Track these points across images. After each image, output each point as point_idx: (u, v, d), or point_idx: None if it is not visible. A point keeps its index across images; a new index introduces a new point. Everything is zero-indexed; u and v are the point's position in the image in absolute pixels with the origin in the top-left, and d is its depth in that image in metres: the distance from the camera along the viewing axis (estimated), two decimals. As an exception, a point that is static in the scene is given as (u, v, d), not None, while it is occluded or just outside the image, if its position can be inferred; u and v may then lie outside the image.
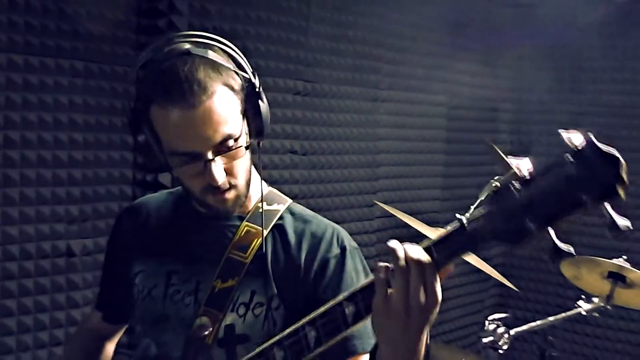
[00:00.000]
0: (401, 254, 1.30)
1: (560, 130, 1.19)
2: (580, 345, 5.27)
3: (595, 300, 3.46)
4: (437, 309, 1.32)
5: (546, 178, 1.19)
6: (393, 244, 1.33)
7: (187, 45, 1.59)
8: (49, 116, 3.14)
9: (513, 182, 1.22)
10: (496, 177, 3.87)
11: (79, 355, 2.07)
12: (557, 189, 1.17)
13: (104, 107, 3.33)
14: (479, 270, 3.51)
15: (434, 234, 3.43)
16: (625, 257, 3.47)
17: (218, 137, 1.56)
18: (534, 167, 1.22)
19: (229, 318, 1.67)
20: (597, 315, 3.48)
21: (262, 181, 1.78)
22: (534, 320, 3.39)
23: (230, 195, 1.64)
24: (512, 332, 3.13)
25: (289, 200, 1.82)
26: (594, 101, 5.20)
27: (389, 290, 1.31)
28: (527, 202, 1.20)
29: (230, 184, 1.62)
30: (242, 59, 1.65)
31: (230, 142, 1.58)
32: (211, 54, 1.59)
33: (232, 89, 1.60)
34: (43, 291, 3.19)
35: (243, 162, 1.65)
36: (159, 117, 1.57)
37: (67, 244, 3.26)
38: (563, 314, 3.45)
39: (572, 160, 1.16)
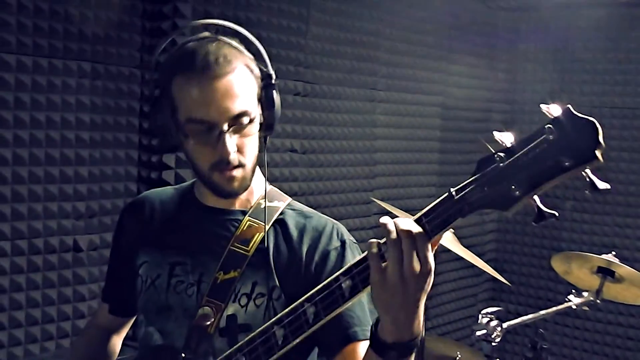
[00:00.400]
0: (392, 227, 1.31)
1: (540, 105, 1.21)
2: (570, 338, 5.28)
3: (585, 294, 3.47)
4: (432, 276, 1.33)
5: (529, 147, 1.21)
6: (384, 219, 1.34)
7: (211, 32, 1.67)
8: (56, 116, 3.15)
9: (498, 152, 1.24)
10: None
11: (85, 349, 2.07)
12: (539, 157, 1.19)
13: (110, 106, 3.34)
14: (472, 266, 3.52)
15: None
16: (614, 252, 3.48)
17: (235, 110, 1.59)
18: (516, 139, 1.24)
19: (231, 308, 1.67)
20: (586, 309, 3.49)
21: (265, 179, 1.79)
22: (526, 314, 3.40)
23: (238, 173, 1.64)
24: (504, 325, 3.13)
25: (289, 198, 1.83)
26: (585, 102, 5.20)
27: (384, 264, 1.32)
28: (512, 170, 1.22)
29: (239, 162, 1.62)
30: (262, 50, 1.69)
31: (245, 120, 1.61)
32: (235, 42, 1.66)
33: (251, 71, 1.64)
34: (51, 285, 3.19)
35: (253, 145, 1.66)
36: (182, 87, 1.60)
37: (74, 239, 3.26)
38: (554, 308, 3.45)
39: (552, 128, 1.18)
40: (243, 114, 1.60)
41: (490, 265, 3.67)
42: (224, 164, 1.61)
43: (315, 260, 1.69)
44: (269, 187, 1.80)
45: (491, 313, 3.14)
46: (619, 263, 3.41)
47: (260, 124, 1.67)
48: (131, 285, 1.84)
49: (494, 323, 3.10)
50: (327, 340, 1.61)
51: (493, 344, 3.11)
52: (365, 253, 1.37)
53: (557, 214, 1.22)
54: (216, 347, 1.67)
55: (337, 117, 4.24)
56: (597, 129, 1.15)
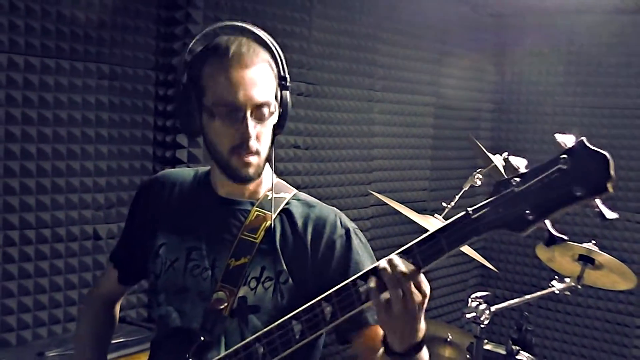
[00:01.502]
0: (390, 271, 1.35)
1: (555, 134, 1.22)
2: (553, 320, 5.28)
3: (567, 280, 3.47)
4: (428, 296, 1.38)
5: (544, 175, 1.21)
6: (382, 264, 1.38)
7: (241, 31, 1.73)
8: (77, 114, 3.15)
9: (514, 177, 1.25)
10: (478, 170, 3.87)
11: (93, 321, 2.06)
12: (553, 184, 1.20)
13: (126, 105, 3.34)
14: (462, 254, 3.52)
15: (423, 219, 3.42)
16: (594, 242, 3.48)
17: (259, 99, 1.62)
18: (529, 165, 1.25)
19: (242, 291, 1.68)
20: (568, 293, 3.48)
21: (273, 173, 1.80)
22: (512, 298, 3.40)
23: (254, 160, 1.65)
24: (492, 308, 3.13)
25: (295, 190, 1.84)
26: (568, 102, 5.20)
27: (384, 296, 1.37)
28: (526, 195, 1.23)
29: (256, 149, 1.64)
30: (280, 55, 1.71)
31: (266, 111, 1.64)
32: (258, 43, 1.70)
33: (271, 68, 1.68)
34: (72, 270, 3.20)
35: (268, 135, 1.68)
36: (213, 72, 1.63)
37: (93, 228, 3.27)
38: (538, 293, 3.45)
39: (566, 159, 1.19)
40: (265, 104, 1.63)
41: (479, 254, 3.67)
42: (243, 148, 1.63)
43: (322, 249, 1.70)
44: (277, 180, 1.81)
45: (480, 297, 3.14)
46: (599, 251, 3.40)
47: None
48: (142, 257, 1.85)
49: (482, 306, 3.10)
50: (343, 327, 1.61)
51: (482, 325, 3.11)
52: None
53: (567, 238, 1.24)
54: (227, 327, 1.68)
55: (337, 115, 4.24)
56: (608, 161, 1.15)
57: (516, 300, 3.38)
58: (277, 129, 1.71)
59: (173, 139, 3.42)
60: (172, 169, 2.01)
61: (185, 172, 1.94)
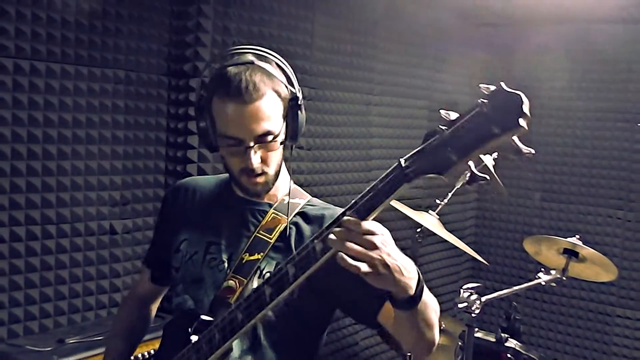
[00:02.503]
0: (331, 236, 1.33)
1: (480, 85, 1.21)
2: (539, 310, 5.28)
3: (553, 272, 3.47)
4: (382, 239, 1.33)
5: (465, 118, 1.21)
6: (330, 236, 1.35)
7: (251, 57, 1.68)
8: (95, 117, 3.15)
9: (440, 125, 1.25)
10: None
11: (126, 317, 2.12)
12: (474, 126, 1.20)
13: (141, 109, 3.34)
14: (455, 247, 3.52)
15: (417, 215, 3.41)
16: (578, 236, 3.48)
17: (259, 131, 1.63)
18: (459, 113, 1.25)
19: (256, 282, 1.68)
20: (554, 285, 3.49)
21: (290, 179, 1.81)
22: (501, 289, 3.40)
23: (261, 180, 1.69)
24: (482, 299, 3.13)
25: (309, 196, 1.85)
26: (554, 105, 5.20)
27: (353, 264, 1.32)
28: (449, 139, 1.23)
29: (262, 170, 1.68)
30: (292, 74, 1.72)
31: (269, 137, 1.65)
32: (268, 66, 1.68)
33: (279, 95, 1.67)
34: (90, 263, 3.20)
35: (276, 156, 1.70)
36: (219, 107, 1.65)
37: (110, 223, 3.27)
38: (526, 284, 3.45)
39: (485, 102, 1.19)
40: (267, 133, 1.64)
41: (470, 247, 3.67)
42: (249, 172, 1.67)
43: None
44: (294, 186, 1.83)
45: (471, 288, 3.14)
46: (583, 245, 3.41)
47: (286, 135, 1.70)
48: (171, 257, 1.87)
49: (473, 297, 3.10)
50: (362, 309, 1.63)
51: (473, 315, 3.11)
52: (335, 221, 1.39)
53: (488, 177, 1.23)
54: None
55: (337, 118, 4.24)
56: (522, 100, 1.14)
57: (505, 291, 3.38)
58: (291, 140, 1.72)
59: (184, 140, 3.42)
60: (197, 176, 2.05)
61: (208, 178, 1.99)
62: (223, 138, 1.66)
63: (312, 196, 1.87)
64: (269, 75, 1.66)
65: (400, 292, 1.38)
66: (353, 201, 1.38)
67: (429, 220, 3.37)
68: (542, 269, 3.54)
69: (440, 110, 1.27)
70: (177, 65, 3.42)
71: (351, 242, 1.31)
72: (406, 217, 3.41)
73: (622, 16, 4.61)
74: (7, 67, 2.82)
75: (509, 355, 3.43)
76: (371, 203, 1.35)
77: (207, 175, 2.00)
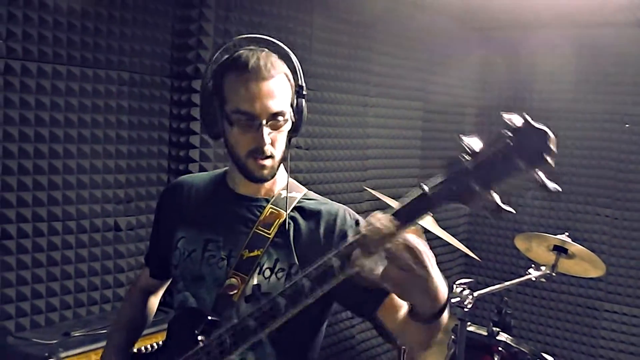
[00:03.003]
0: (368, 236, 1.29)
1: (501, 113, 1.19)
2: (530, 305, 5.29)
3: (543, 268, 3.47)
4: (426, 255, 1.32)
5: (490, 150, 1.19)
6: (363, 230, 1.31)
7: (262, 43, 1.72)
8: (100, 117, 3.14)
9: (463, 154, 1.23)
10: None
11: (130, 308, 2.10)
12: (498, 159, 1.17)
13: (144, 109, 3.33)
14: (448, 244, 3.52)
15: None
16: (567, 233, 3.48)
17: (274, 108, 1.62)
18: (481, 143, 1.22)
19: (256, 279, 1.68)
20: (544, 280, 3.49)
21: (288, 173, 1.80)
22: (493, 285, 3.40)
23: (268, 162, 1.66)
24: (475, 294, 3.13)
25: (305, 189, 1.84)
26: (543, 107, 5.20)
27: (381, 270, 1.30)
28: (473, 169, 1.20)
29: (270, 153, 1.65)
30: (298, 65, 1.72)
31: (280, 119, 1.64)
32: (277, 54, 1.70)
33: (288, 79, 1.69)
34: (95, 259, 3.20)
35: (282, 141, 1.68)
36: (234, 83, 1.63)
37: (114, 220, 3.26)
38: (516, 280, 3.46)
39: (511, 134, 1.16)
40: (280, 113, 1.63)
41: (463, 244, 3.67)
42: (259, 152, 1.64)
43: (335, 240, 1.68)
44: (290, 180, 1.80)
45: (464, 283, 3.14)
46: (572, 242, 3.41)
47: (292, 123, 1.70)
48: (167, 254, 1.85)
49: (466, 292, 3.10)
50: (362, 303, 1.61)
51: (465, 309, 3.10)
52: (353, 239, 1.35)
53: (514, 210, 1.20)
54: (242, 311, 1.68)
55: (335, 119, 4.24)
56: (548, 136, 1.13)
57: (497, 286, 3.38)
58: (293, 132, 1.72)
59: (187, 140, 3.42)
60: (191, 174, 2.01)
61: (202, 175, 1.96)
62: (236, 114, 1.63)
63: (319, 196, 1.85)
64: (280, 60, 1.69)
65: (428, 309, 1.37)
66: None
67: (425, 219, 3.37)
68: (533, 265, 3.54)
69: (461, 137, 1.24)
70: (179, 67, 3.42)
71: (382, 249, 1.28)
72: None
73: (626, 19, 4.60)
74: (14, 68, 2.82)
75: (500, 349, 3.43)
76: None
77: (217, 170, 1.96)
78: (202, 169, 3.37)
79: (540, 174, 1.16)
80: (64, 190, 3.04)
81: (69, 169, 3.05)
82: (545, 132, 1.13)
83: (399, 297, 1.39)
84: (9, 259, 2.89)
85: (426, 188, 1.28)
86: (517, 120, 1.17)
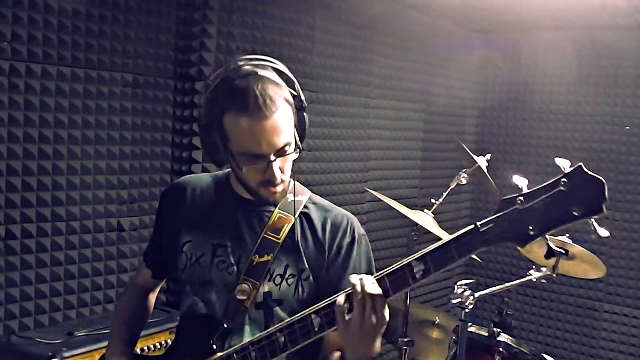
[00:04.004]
0: (358, 289, 1.39)
1: (555, 159, 1.23)
2: (530, 305, 5.28)
3: (543, 269, 3.45)
4: (385, 326, 1.42)
5: (546, 195, 1.22)
6: (353, 279, 1.42)
7: (252, 67, 1.61)
8: (104, 118, 3.15)
9: (518, 197, 1.25)
10: (463, 170, 3.84)
11: (129, 305, 2.07)
12: (554, 205, 1.21)
13: (147, 111, 3.34)
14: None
15: (413, 214, 3.39)
16: (567, 235, 3.47)
17: (280, 143, 1.59)
18: (530, 185, 1.26)
19: (267, 286, 1.68)
20: (544, 281, 3.47)
21: (293, 178, 1.78)
22: (494, 285, 3.39)
23: (280, 188, 1.65)
24: (476, 294, 3.12)
25: (309, 192, 1.83)
26: (544, 108, 5.20)
27: (347, 317, 1.42)
28: (530, 214, 1.23)
29: (281, 179, 1.64)
30: (293, 78, 1.68)
31: (287, 149, 1.61)
32: (271, 74, 1.62)
33: (289, 102, 1.63)
34: (98, 259, 3.20)
35: (290, 163, 1.67)
36: (234, 123, 1.57)
37: (117, 221, 3.27)
38: (517, 281, 3.44)
39: (566, 182, 1.20)
40: (286, 144, 1.60)
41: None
42: (270, 183, 1.62)
43: (333, 251, 1.71)
44: (294, 182, 1.79)
45: (465, 284, 3.13)
46: (572, 243, 3.39)
47: (296, 140, 1.67)
48: (170, 255, 1.84)
49: (467, 293, 3.08)
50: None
51: (466, 310, 3.10)
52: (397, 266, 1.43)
53: (564, 252, 1.27)
54: (252, 317, 1.69)
55: (337, 120, 4.24)
56: (604, 186, 1.16)
57: (497, 287, 3.37)
58: (299, 146, 1.69)
59: (189, 141, 3.42)
60: (191, 175, 1.98)
61: (203, 176, 1.93)
62: (242, 156, 1.60)
63: (324, 201, 1.85)
64: (277, 84, 1.61)
65: (354, 357, 1.50)
66: (421, 253, 1.37)
67: (425, 219, 3.37)
68: (533, 266, 3.53)
69: (513, 178, 1.28)
70: (182, 69, 3.42)
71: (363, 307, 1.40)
72: (402, 216, 3.41)
73: (626, 22, 4.59)
74: (19, 70, 2.82)
75: (500, 349, 3.43)
76: (442, 260, 1.36)
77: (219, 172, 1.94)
78: (205, 170, 3.36)
79: (593, 221, 1.20)
80: (67, 190, 3.05)
81: (72, 170, 3.05)
82: (601, 181, 1.17)
83: (342, 337, 1.49)
84: (13, 259, 2.90)
85: (479, 224, 1.31)
86: (568, 165, 1.21)
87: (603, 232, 1.21)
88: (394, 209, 3.27)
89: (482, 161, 3.31)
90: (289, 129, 1.62)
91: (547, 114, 5.21)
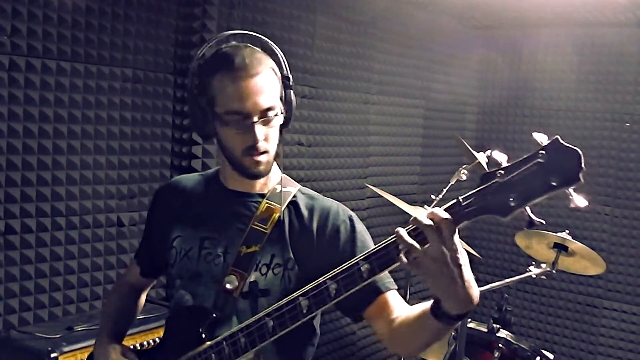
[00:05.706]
0: (428, 220, 1.30)
1: (533, 133, 1.26)
2: (530, 302, 5.28)
3: (543, 265, 3.46)
4: (462, 254, 1.33)
5: (524, 167, 1.24)
6: (418, 216, 1.32)
7: (242, 39, 1.73)
8: (104, 113, 3.14)
9: (498, 170, 1.26)
10: (463, 166, 3.85)
11: (117, 301, 2.06)
12: (532, 176, 1.22)
13: (147, 106, 3.33)
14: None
15: (413, 209, 3.41)
16: (567, 231, 3.47)
17: (265, 104, 1.61)
18: (510, 160, 1.27)
19: (253, 276, 1.67)
20: (544, 278, 3.49)
21: (280, 169, 1.81)
22: (494, 282, 3.40)
23: (264, 158, 1.66)
24: (475, 290, 3.12)
25: (299, 185, 1.83)
26: (544, 105, 5.20)
27: (424, 247, 1.30)
28: (510, 185, 1.25)
29: (265, 148, 1.65)
30: (282, 57, 1.72)
31: (271, 113, 1.63)
32: (261, 48, 1.70)
33: (275, 74, 1.67)
34: (98, 254, 3.19)
35: (275, 135, 1.68)
36: (222, 84, 1.62)
37: (117, 216, 3.26)
38: (517, 277, 3.45)
39: (543, 153, 1.21)
40: (270, 108, 1.63)
41: (463, 241, 3.65)
42: (254, 149, 1.63)
43: (328, 234, 1.69)
44: (283, 175, 1.81)
45: (464, 280, 3.12)
46: (572, 240, 3.40)
47: (283, 116, 1.69)
48: (161, 254, 1.84)
49: (466, 289, 3.08)
50: (352, 301, 1.54)
51: (466, 306, 3.09)
52: (383, 243, 1.38)
53: (544, 221, 1.27)
54: (239, 307, 1.68)
55: (337, 116, 4.23)
56: (580, 156, 1.18)
57: (497, 283, 3.38)
58: (284, 126, 1.71)
59: (189, 137, 3.42)
60: (182, 175, 1.99)
61: (194, 175, 1.95)
62: (228, 115, 1.62)
63: (313, 191, 1.85)
64: (264, 54, 1.68)
65: (455, 308, 1.37)
66: (407, 228, 1.35)
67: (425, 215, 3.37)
68: (533, 263, 3.53)
69: (492, 153, 1.30)
70: (182, 64, 3.41)
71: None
72: (402, 212, 3.40)
73: (627, 18, 4.58)
74: (19, 65, 2.81)
75: (500, 345, 3.43)
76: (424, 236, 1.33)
77: (209, 170, 1.95)
78: (204, 166, 3.36)
79: (572, 191, 1.22)
80: (67, 185, 3.04)
81: (72, 165, 3.04)
82: (577, 152, 1.19)
83: (431, 288, 1.37)
84: (13, 254, 2.89)
85: (460, 199, 1.31)
86: (545, 139, 1.24)
87: (581, 202, 1.24)
88: (394, 205, 3.27)
89: (482, 157, 3.31)
90: (274, 94, 1.65)
91: (547, 110, 5.20)
